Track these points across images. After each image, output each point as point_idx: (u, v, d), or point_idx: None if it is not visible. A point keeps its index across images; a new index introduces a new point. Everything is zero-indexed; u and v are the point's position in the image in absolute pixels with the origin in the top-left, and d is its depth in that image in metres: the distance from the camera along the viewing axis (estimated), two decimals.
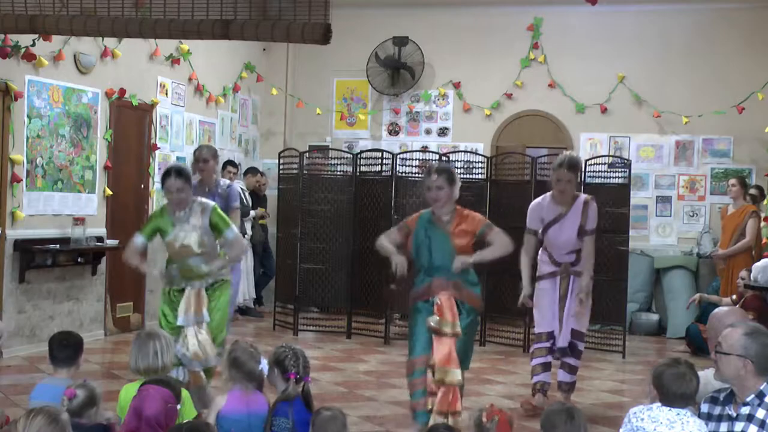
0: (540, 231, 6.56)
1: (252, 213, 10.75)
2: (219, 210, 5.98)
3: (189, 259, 5.87)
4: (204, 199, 6.06)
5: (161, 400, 4.03)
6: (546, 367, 6.51)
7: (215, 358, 5.75)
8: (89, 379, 4.15)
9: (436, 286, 5.33)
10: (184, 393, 4.30)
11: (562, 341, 6.43)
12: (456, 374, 5.16)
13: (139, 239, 6.04)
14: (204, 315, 5.83)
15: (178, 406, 4.06)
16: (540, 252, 6.62)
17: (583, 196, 6.51)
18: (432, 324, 5.21)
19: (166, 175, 5.85)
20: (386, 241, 5.52)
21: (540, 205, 6.54)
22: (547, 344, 6.47)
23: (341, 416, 3.87)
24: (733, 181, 9.94)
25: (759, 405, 3.46)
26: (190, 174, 6.04)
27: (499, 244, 5.39)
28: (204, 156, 7.36)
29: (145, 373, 4.28)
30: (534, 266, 6.64)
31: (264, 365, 4.25)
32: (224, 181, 7.70)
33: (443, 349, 5.18)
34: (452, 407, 5.13)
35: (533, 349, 6.61)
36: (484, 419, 3.57)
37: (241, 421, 4.14)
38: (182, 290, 5.90)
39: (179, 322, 5.83)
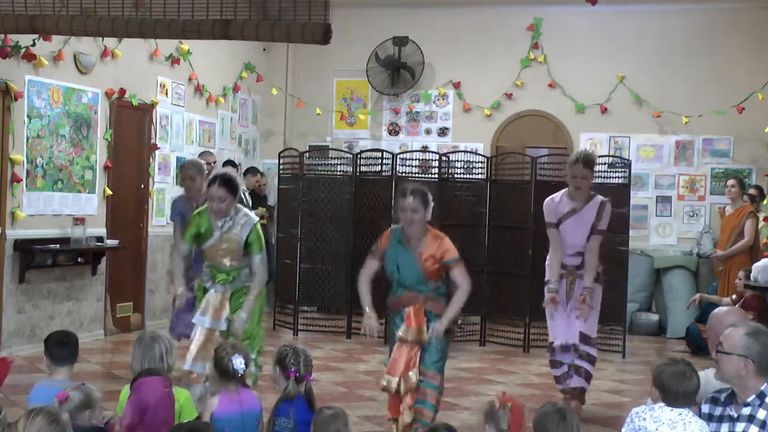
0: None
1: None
2: (259, 228, 5.91)
3: (222, 263, 5.82)
4: (249, 212, 5.98)
5: (160, 386, 4.07)
6: (568, 375, 6.47)
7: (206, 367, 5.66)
8: (89, 381, 4.14)
9: (407, 298, 5.37)
10: (185, 393, 4.31)
11: (566, 338, 6.35)
12: (412, 376, 5.23)
13: (184, 247, 5.96)
14: (221, 322, 5.77)
15: (173, 390, 4.09)
16: (548, 257, 6.56)
17: (599, 197, 6.46)
18: (399, 333, 5.29)
19: (212, 181, 5.78)
20: (365, 285, 5.50)
21: (554, 201, 6.51)
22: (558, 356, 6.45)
23: (343, 415, 3.87)
24: (731, 181, 9.94)
25: (760, 405, 3.46)
26: (238, 186, 5.91)
27: (462, 290, 5.31)
28: (190, 174, 7.17)
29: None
30: (555, 264, 6.51)
31: (240, 363, 4.22)
32: None
33: (401, 356, 5.24)
34: (404, 374, 5.19)
35: (550, 359, 6.54)
36: (497, 405, 3.55)
37: (235, 421, 4.13)
38: (206, 289, 5.87)
39: (193, 320, 5.83)
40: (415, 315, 5.28)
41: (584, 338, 6.35)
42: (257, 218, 6.00)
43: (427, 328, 5.27)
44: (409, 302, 5.34)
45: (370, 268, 5.52)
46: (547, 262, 6.53)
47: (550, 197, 6.58)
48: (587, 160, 6.39)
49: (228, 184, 5.74)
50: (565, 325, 6.37)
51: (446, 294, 5.43)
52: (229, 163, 10.57)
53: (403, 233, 5.37)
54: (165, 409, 4.03)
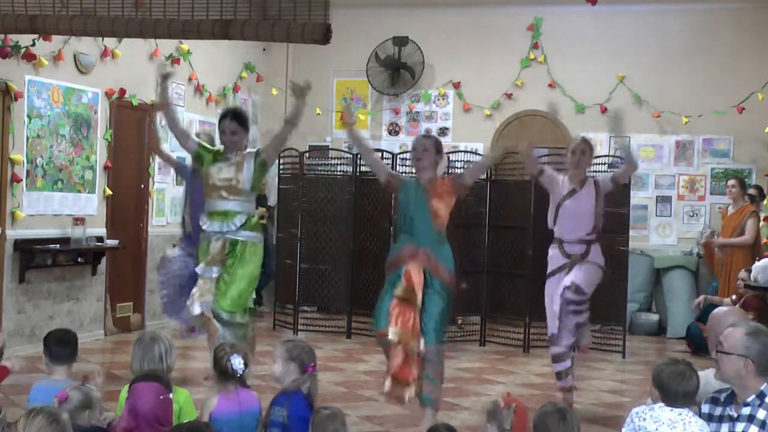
0: (552, 214, 6.51)
1: None
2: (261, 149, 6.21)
3: (219, 202, 5.97)
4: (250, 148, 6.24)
5: (153, 394, 4.04)
6: (569, 372, 6.50)
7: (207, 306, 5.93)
8: (89, 380, 4.13)
9: (407, 253, 5.47)
10: (185, 393, 4.30)
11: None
12: (415, 346, 5.28)
13: (193, 138, 6.26)
14: (213, 269, 5.96)
15: (171, 395, 4.06)
16: (550, 248, 6.57)
17: (591, 178, 6.56)
18: (397, 291, 5.35)
19: (223, 116, 6.09)
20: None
21: (558, 177, 6.55)
22: (557, 349, 6.45)
23: (341, 415, 3.86)
24: (732, 182, 9.93)
25: (760, 405, 3.46)
26: (248, 118, 6.22)
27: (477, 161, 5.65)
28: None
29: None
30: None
31: (239, 363, 4.22)
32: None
33: (405, 317, 5.29)
34: (406, 378, 5.27)
35: (551, 354, 6.53)
36: (502, 405, 3.55)
37: (233, 421, 4.13)
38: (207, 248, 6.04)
39: (197, 270, 6.03)
40: (414, 273, 5.34)
41: (576, 289, 6.21)
42: (258, 148, 6.25)
43: (425, 294, 5.34)
44: (409, 258, 5.42)
45: (384, 166, 5.99)
46: (549, 255, 6.56)
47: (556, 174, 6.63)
48: (585, 138, 6.65)
49: (239, 117, 6.09)
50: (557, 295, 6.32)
51: (451, 260, 5.51)
52: None
53: (415, 180, 5.67)
54: (156, 418, 4.01)
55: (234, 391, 4.21)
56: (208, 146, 6.23)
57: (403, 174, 5.90)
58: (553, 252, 6.53)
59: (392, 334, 5.28)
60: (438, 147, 5.64)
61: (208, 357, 4.73)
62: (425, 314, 5.34)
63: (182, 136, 6.19)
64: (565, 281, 6.29)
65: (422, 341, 5.33)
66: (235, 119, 6.03)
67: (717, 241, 9.81)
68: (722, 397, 3.63)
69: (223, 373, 4.23)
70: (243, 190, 5.99)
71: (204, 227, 6.06)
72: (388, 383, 5.39)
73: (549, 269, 6.54)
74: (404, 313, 5.31)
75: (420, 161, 5.59)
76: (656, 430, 3.45)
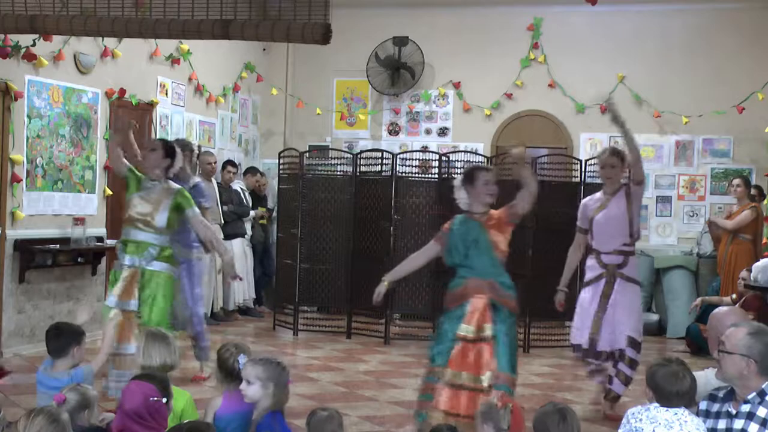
0: (588, 229, 6.52)
1: (252, 213, 10.75)
2: (185, 192, 6.25)
3: (135, 231, 6.08)
4: (173, 183, 6.28)
5: (141, 394, 4.01)
6: (593, 374, 6.54)
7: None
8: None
9: (472, 287, 5.28)
10: (185, 395, 4.30)
11: (603, 344, 6.32)
12: (484, 379, 5.11)
13: (126, 162, 6.35)
14: (131, 302, 5.98)
15: (164, 400, 4.02)
16: (588, 257, 6.55)
17: (624, 185, 6.47)
18: (461, 333, 5.18)
19: (152, 147, 6.32)
20: (409, 260, 5.66)
21: (586, 205, 6.58)
22: (579, 355, 6.50)
23: (337, 416, 3.83)
24: (737, 181, 9.94)
25: (760, 403, 3.46)
26: (175, 151, 6.29)
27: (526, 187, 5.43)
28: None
29: (160, 370, 4.28)
30: (577, 268, 6.62)
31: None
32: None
33: (468, 358, 5.13)
34: (468, 411, 5.00)
35: (582, 359, 6.59)
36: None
37: (236, 420, 4.13)
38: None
39: (107, 302, 6.05)
40: (480, 310, 5.18)
41: (633, 343, 6.30)
42: (180, 187, 6.29)
43: (494, 324, 5.19)
44: (474, 291, 5.25)
45: (426, 249, 5.58)
46: (587, 264, 6.55)
47: (584, 199, 6.68)
48: (615, 150, 6.60)
49: (165, 140, 6.29)
50: (609, 329, 6.30)
51: (512, 286, 5.41)
52: (229, 163, 10.59)
53: (467, 214, 5.45)
54: (141, 417, 3.97)
55: (238, 391, 4.21)
56: (136, 172, 6.30)
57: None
58: (590, 262, 6.52)
59: (451, 375, 5.14)
60: (495, 179, 5.48)
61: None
62: (498, 345, 5.19)
63: (116, 158, 6.35)
64: (617, 339, 6.27)
65: (490, 374, 5.13)
66: (161, 140, 6.31)
67: (719, 221, 9.95)
68: (721, 393, 3.63)
69: (230, 374, 4.22)
70: (158, 228, 6.12)
71: (118, 254, 6.20)
72: (438, 416, 5.14)
73: (586, 278, 6.53)
74: (467, 354, 5.16)
75: (491, 196, 5.43)
76: (653, 430, 3.44)
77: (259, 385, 3.94)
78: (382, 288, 5.46)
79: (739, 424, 3.47)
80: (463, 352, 5.16)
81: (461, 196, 5.44)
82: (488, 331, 5.18)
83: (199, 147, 8.37)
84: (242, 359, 4.16)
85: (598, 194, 6.56)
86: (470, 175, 5.47)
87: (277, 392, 3.96)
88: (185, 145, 7.35)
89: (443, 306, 5.47)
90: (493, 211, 5.46)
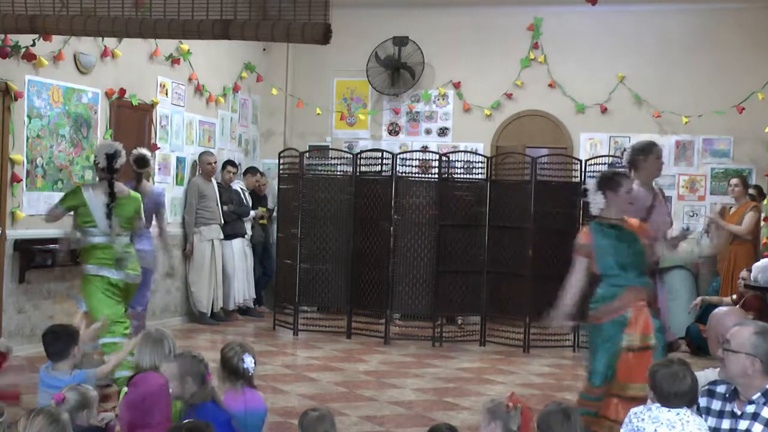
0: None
1: (252, 213, 10.76)
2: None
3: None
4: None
5: (157, 379, 4.06)
6: None
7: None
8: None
9: (629, 297, 5.10)
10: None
11: None
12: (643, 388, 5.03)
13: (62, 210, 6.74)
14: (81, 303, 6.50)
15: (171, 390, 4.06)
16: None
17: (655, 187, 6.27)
18: (625, 344, 5.04)
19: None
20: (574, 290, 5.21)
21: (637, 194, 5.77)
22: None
23: (329, 416, 3.82)
24: (735, 180, 9.93)
25: (765, 404, 3.46)
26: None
27: None
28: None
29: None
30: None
31: (251, 362, 4.22)
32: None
33: (639, 366, 4.88)
34: (618, 416, 4.85)
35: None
36: (509, 405, 3.54)
37: (237, 419, 4.14)
38: None
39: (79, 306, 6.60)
40: (643, 319, 5.04)
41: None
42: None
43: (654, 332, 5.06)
44: (631, 301, 5.08)
45: (578, 269, 5.21)
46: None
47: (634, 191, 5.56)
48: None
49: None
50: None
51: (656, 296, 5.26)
52: (229, 163, 10.59)
53: (602, 221, 5.22)
54: (164, 401, 4.01)
55: (240, 391, 4.21)
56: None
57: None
58: None
59: (618, 387, 5.02)
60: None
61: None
62: (656, 353, 5.04)
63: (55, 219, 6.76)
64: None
65: None
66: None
67: (718, 219, 9.86)
68: (718, 388, 3.62)
69: (234, 373, 4.23)
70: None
71: None
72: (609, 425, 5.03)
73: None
74: (635, 364, 4.99)
75: (631, 205, 5.29)
76: (655, 430, 3.44)
77: (177, 383, 4.02)
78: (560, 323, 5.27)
79: (743, 424, 3.47)
80: (630, 362, 5.02)
81: (597, 201, 5.20)
82: (652, 340, 5.07)
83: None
84: (247, 358, 4.19)
85: (640, 191, 6.02)
86: (614, 181, 5.25)
87: (197, 384, 4.01)
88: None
89: (586, 320, 5.23)
90: (629, 218, 5.29)
